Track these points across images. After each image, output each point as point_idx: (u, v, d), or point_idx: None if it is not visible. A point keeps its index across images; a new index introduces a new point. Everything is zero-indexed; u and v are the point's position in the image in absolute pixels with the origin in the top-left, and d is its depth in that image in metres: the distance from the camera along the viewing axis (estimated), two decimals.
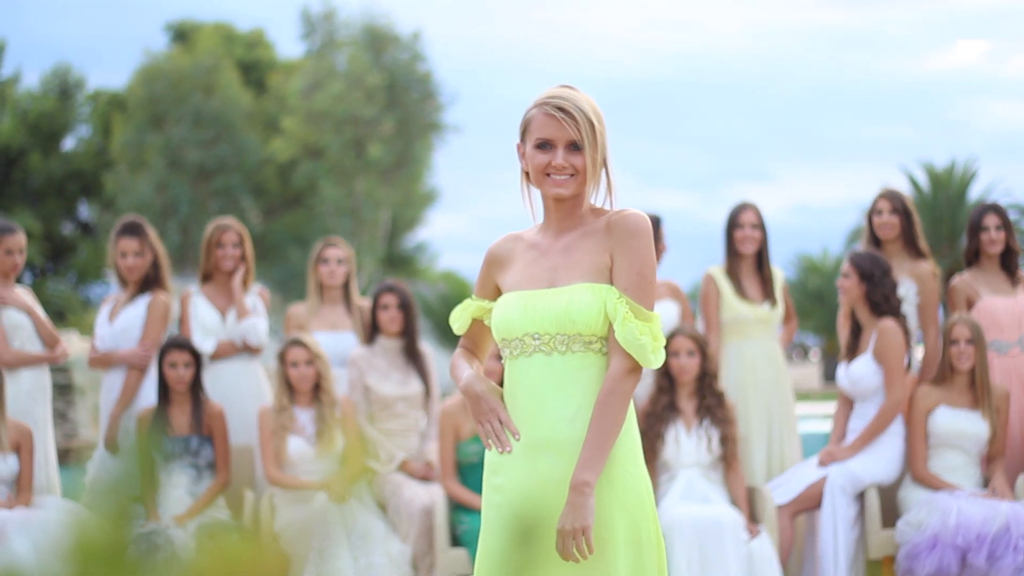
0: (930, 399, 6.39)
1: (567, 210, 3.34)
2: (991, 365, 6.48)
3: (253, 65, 36.47)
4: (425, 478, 6.60)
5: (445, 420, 6.35)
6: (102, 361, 6.65)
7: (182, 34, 37.13)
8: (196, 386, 6.38)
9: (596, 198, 3.34)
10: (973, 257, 6.84)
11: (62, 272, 36.32)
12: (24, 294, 6.63)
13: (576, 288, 3.26)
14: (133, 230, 6.67)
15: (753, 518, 6.28)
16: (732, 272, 6.95)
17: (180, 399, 6.36)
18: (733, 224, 6.95)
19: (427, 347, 6.97)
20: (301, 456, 6.37)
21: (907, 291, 6.72)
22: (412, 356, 6.81)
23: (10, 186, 35.17)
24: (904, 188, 29.10)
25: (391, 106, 34.37)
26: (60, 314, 23.49)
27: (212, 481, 6.31)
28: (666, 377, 6.34)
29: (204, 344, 6.75)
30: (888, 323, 6.39)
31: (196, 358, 6.39)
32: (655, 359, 3.22)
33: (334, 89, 33.47)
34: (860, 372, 6.45)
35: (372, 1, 42.28)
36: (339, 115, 33.55)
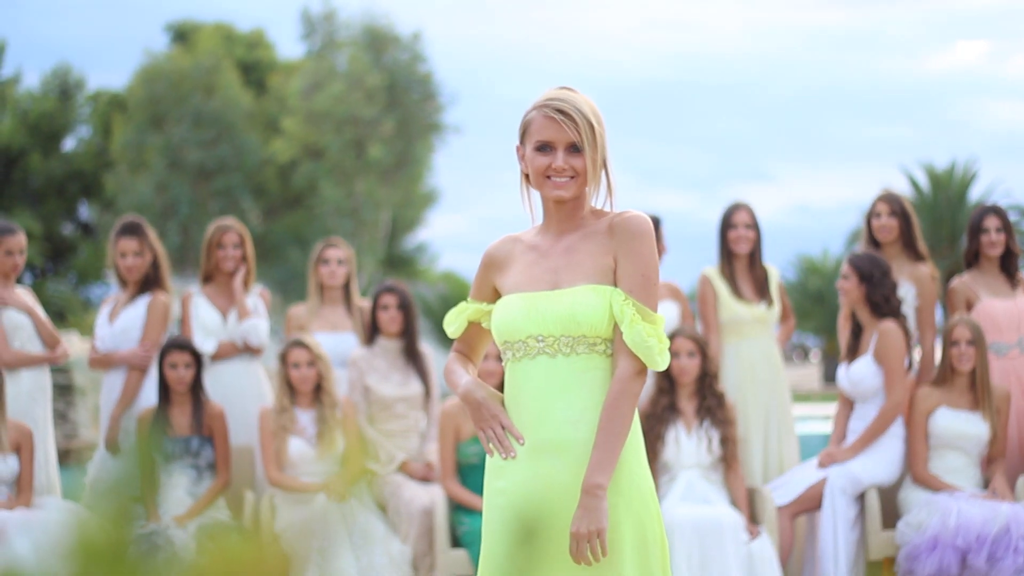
0: (930, 400, 6.39)
1: (567, 212, 3.34)
2: (990, 367, 6.48)
3: (253, 65, 36.48)
4: (425, 479, 6.60)
5: (445, 421, 6.35)
6: (102, 362, 6.65)
7: (182, 34, 37.14)
8: (196, 387, 6.38)
9: (596, 200, 3.34)
10: (973, 259, 6.84)
11: (62, 273, 36.32)
12: (24, 295, 6.63)
13: (580, 290, 3.25)
14: (133, 230, 6.67)
15: (753, 519, 6.28)
16: (727, 272, 6.95)
17: (180, 400, 6.36)
18: (727, 224, 6.95)
19: (427, 348, 6.98)
20: (302, 457, 6.37)
21: (906, 293, 6.71)
22: (412, 357, 6.81)
23: (10, 186, 35.17)
24: (904, 189, 29.13)
25: (391, 107, 34.37)
26: (60, 315, 23.49)
27: (212, 482, 6.31)
28: (666, 378, 6.34)
29: (205, 345, 6.75)
30: (888, 324, 6.39)
31: (196, 359, 6.39)
32: (662, 361, 3.22)
33: (334, 90, 33.47)
34: (860, 373, 6.45)
35: (372, 1, 42.29)
36: (339, 115, 33.55)
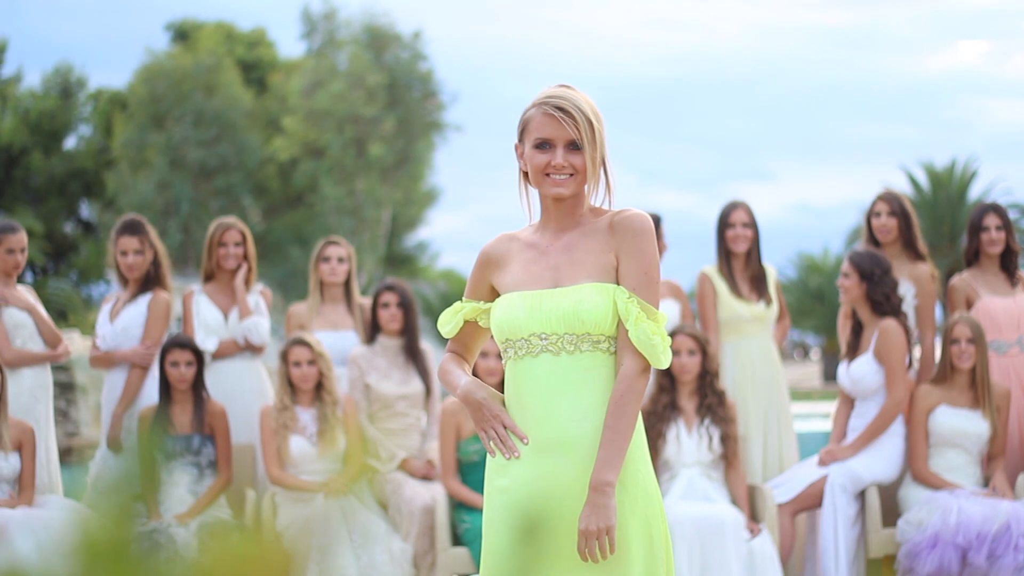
0: (931, 398, 6.39)
1: (567, 210, 3.33)
2: (990, 365, 6.48)
3: (254, 64, 36.48)
4: (426, 477, 6.60)
5: (446, 419, 6.35)
6: (103, 360, 6.66)
7: (183, 33, 37.14)
8: (198, 385, 6.38)
9: (595, 198, 3.33)
10: (973, 257, 6.84)
11: (63, 271, 36.33)
12: (26, 293, 6.64)
13: (584, 288, 3.25)
14: (133, 229, 6.67)
15: (754, 517, 6.28)
16: (725, 271, 6.95)
17: (182, 398, 6.36)
18: (724, 223, 6.95)
19: (427, 346, 6.98)
20: (303, 456, 6.37)
21: (905, 292, 6.72)
22: (413, 355, 6.81)
23: (12, 185, 35.17)
24: (904, 187, 29.12)
25: (392, 105, 34.36)
26: (62, 313, 23.49)
27: (214, 480, 6.32)
28: (667, 376, 6.34)
29: (206, 343, 6.76)
30: (889, 323, 6.39)
31: (198, 357, 6.40)
32: (665, 359, 3.23)
33: (335, 88, 33.47)
34: (861, 371, 6.45)
35: (373, 0, 42.24)
36: (340, 114, 33.55)
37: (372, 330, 6.83)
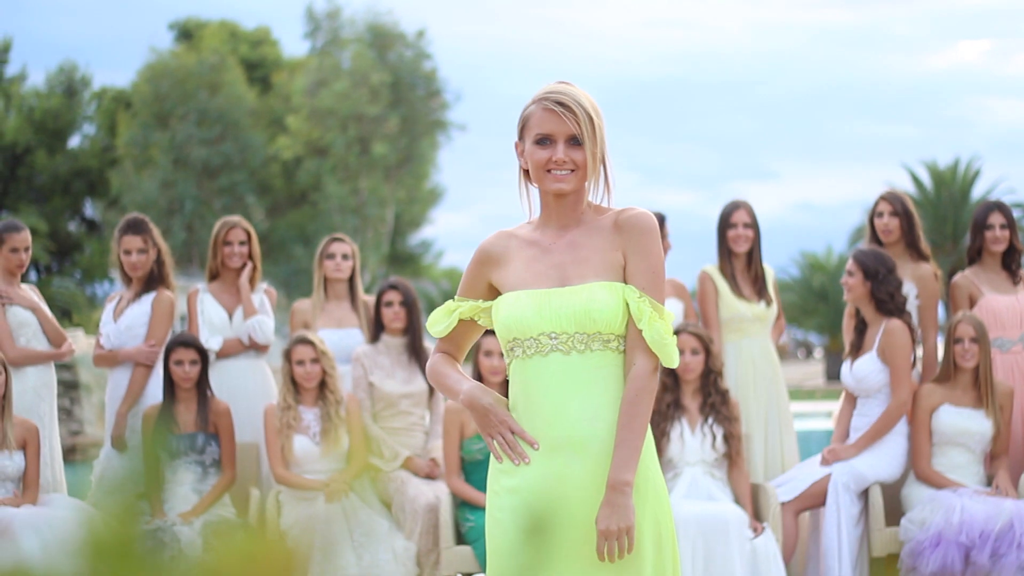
0: (934, 397, 6.39)
1: (568, 206, 3.31)
2: (994, 363, 6.48)
3: (258, 63, 36.50)
4: (430, 476, 6.60)
5: (449, 418, 6.35)
6: (107, 359, 6.66)
7: (187, 32, 37.16)
8: (202, 383, 6.39)
9: (595, 195, 3.32)
10: (976, 255, 6.84)
11: (67, 270, 36.36)
12: (30, 292, 6.64)
13: (594, 287, 3.23)
14: (136, 227, 6.68)
15: (757, 516, 6.28)
16: (726, 271, 6.95)
17: (186, 396, 6.37)
18: (725, 223, 6.95)
19: (431, 345, 6.97)
20: (306, 455, 6.37)
21: (907, 292, 6.71)
22: (416, 354, 6.81)
23: (16, 184, 35.20)
24: (907, 186, 29.10)
25: (395, 104, 34.37)
26: (66, 312, 23.51)
27: (218, 478, 6.32)
28: (670, 375, 6.34)
29: (211, 342, 6.76)
30: (894, 323, 6.39)
31: (202, 355, 6.40)
32: (676, 358, 3.24)
33: (338, 87, 33.48)
34: (864, 370, 6.45)
35: None
36: (343, 113, 33.56)
37: (376, 329, 6.83)
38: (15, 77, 36.11)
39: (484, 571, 5.21)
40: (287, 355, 6.47)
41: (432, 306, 23.87)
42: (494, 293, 3.38)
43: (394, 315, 6.75)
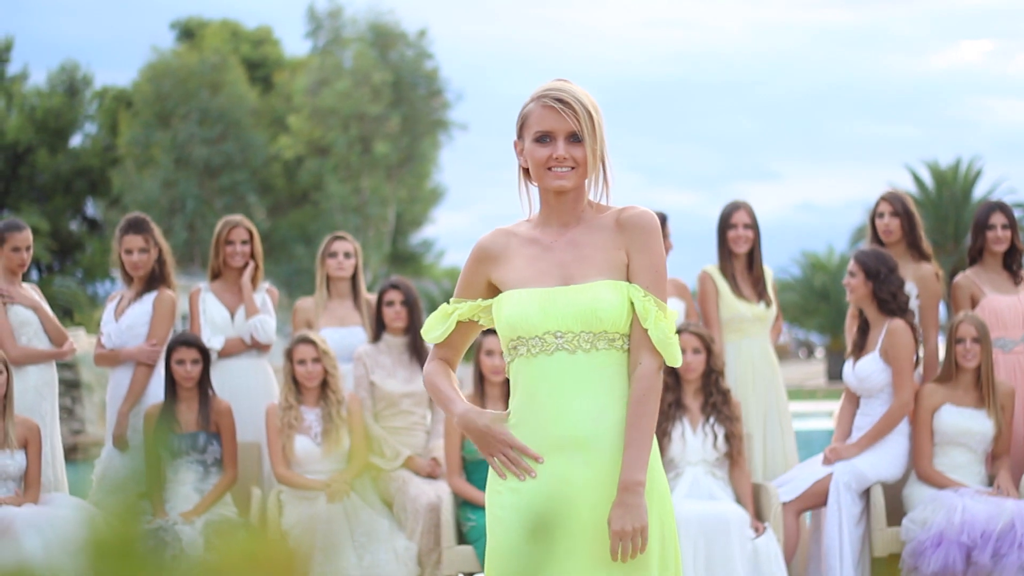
0: (935, 397, 6.39)
1: (569, 204, 3.30)
2: (995, 363, 6.48)
3: (259, 62, 36.49)
4: (431, 475, 6.60)
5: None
6: (109, 358, 6.66)
7: (189, 32, 37.16)
8: (204, 383, 6.39)
9: (593, 192, 3.30)
10: (977, 255, 6.84)
11: (69, 269, 36.36)
12: (31, 291, 6.65)
13: (599, 285, 3.22)
14: (138, 227, 6.68)
15: (758, 515, 6.28)
16: (726, 271, 6.96)
17: (188, 396, 6.37)
18: (726, 224, 6.95)
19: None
20: (307, 455, 6.37)
21: (908, 292, 6.71)
22: (417, 353, 6.81)
23: (17, 183, 35.21)
24: (908, 186, 29.08)
25: (397, 103, 34.37)
26: (67, 311, 23.52)
27: (219, 478, 6.32)
28: (672, 374, 6.34)
29: (213, 341, 6.77)
30: (897, 323, 6.39)
31: (204, 355, 6.40)
32: (680, 357, 3.24)
33: (340, 86, 33.48)
34: (867, 370, 6.45)
35: None
36: (345, 112, 33.56)
37: (377, 328, 6.83)
38: (17, 76, 36.11)
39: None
40: (288, 354, 6.47)
41: (433, 305, 23.87)
42: (493, 292, 3.36)
43: (395, 314, 6.75)
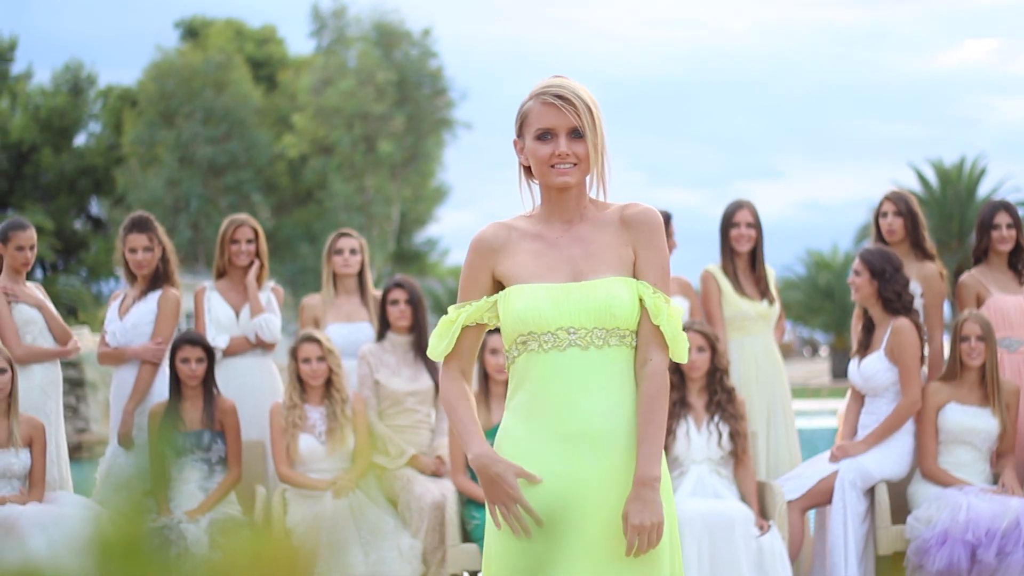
0: (940, 396, 6.39)
1: (571, 200, 3.29)
2: (1001, 362, 6.48)
3: (264, 62, 36.51)
4: (436, 474, 6.61)
5: None
6: (113, 357, 6.67)
7: (193, 31, 37.19)
8: (208, 381, 6.39)
9: (592, 188, 3.30)
10: (982, 254, 6.83)
11: (73, 268, 36.41)
12: (35, 290, 6.65)
13: (611, 282, 3.23)
14: (142, 226, 6.68)
15: (763, 513, 6.28)
16: (729, 270, 6.96)
17: (192, 394, 6.37)
18: (729, 222, 6.96)
19: None
20: (312, 454, 6.38)
21: (913, 291, 6.71)
22: (422, 352, 6.81)
23: (22, 182, 35.25)
24: (913, 185, 29.06)
25: (401, 102, 34.38)
26: (71, 310, 23.54)
27: (224, 476, 6.33)
28: (676, 373, 6.34)
29: (217, 340, 6.77)
30: (903, 322, 6.38)
31: (208, 353, 6.41)
32: (687, 353, 3.26)
33: (344, 85, 33.49)
34: (872, 369, 6.45)
35: None
36: (349, 111, 33.56)
37: (381, 327, 6.83)
38: (21, 75, 36.16)
39: None
40: (293, 353, 6.48)
41: (438, 304, 23.88)
42: (496, 287, 3.34)
43: (400, 313, 6.76)
